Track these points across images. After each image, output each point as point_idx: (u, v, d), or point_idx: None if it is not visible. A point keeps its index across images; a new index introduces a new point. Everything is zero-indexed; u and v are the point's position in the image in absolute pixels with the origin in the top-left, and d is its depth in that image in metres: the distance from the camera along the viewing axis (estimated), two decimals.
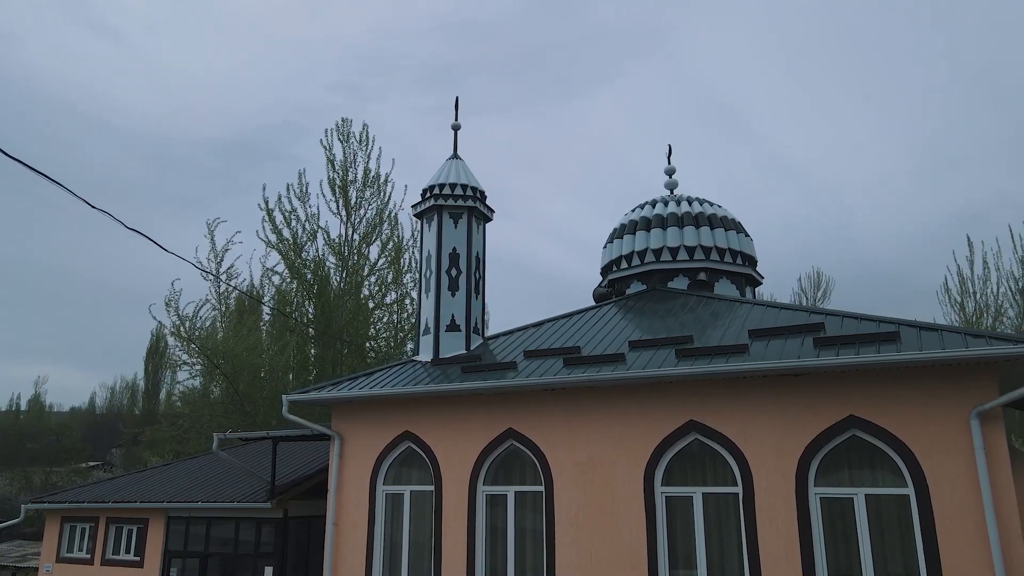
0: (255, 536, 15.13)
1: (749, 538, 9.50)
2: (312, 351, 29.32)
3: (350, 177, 31.56)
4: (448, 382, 11.66)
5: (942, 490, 8.67)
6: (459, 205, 13.64)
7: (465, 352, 13.04)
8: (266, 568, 14.86)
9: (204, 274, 30.21)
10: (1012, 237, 29.59)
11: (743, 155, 70.15)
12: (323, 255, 30.53)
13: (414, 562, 11.73)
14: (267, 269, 31.99)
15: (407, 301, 30.51)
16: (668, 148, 16.43)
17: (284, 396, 12.89)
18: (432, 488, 11.84)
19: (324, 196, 31.00)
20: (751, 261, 14.93)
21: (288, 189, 31.24)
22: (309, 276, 29.99)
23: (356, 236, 31.28)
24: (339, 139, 31.97)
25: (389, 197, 31.64)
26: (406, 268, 30.16)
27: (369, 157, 32.10)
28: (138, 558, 16.37)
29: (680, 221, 14.75)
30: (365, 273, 30.97)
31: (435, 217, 13.74)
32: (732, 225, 14.95)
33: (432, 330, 13.21)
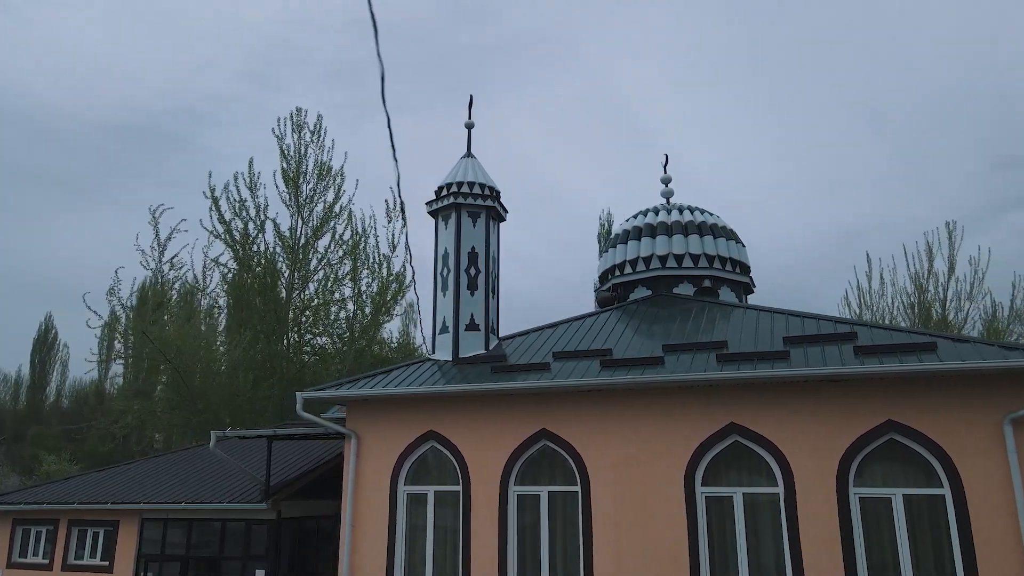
0: (244, 538, 14.53)
1: (791, 537, 9.91)
2: (259, 347, 28.29)
3: (303, 169, 30.73)
4: (478, 382, 11.59)
5: (977, 491, 9.32)
6: (477, 204, 13.57)
7: (485, 352, 12.98)
8: (257, 571, 14.29)
9: (145, 264, 28.75)
10: (906, 255, 32.10)
11: (647, 166, 72.22)
12: (274, 248, 29.59)
13: (439, 563, 11.58)
14: (211, 260, 30.76)
15: (364, 297, 29.93)
16: (665, 157, 16.88)
17: (298, 393, 12.48)
18: (459, 488, 11.72)
19: (278, 187, 30.08)
20: (746, 269, 15.52)
21: (236, 178, 30.16)
22: (259, 269, 28.99)
23: (307, 230, 30.48)
24: (293, 129, 31.08)
25: (342, 190, 30.99)
26: (364, 264, 29.57)
27: (322, 149, 31.37)
28: (106, 563, 15.40)
29: (684, 229, 15.17)
30: (313, 267, 30.17)
31: (452, 215, 13.61)
32: (731, 235, 15.50)
33: (451, 329, 13.07)
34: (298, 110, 31.24)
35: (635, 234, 15.56)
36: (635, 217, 16.16)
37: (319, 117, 31.50)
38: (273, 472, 14.91)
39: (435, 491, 11.91)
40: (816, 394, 10.21)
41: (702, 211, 15.74)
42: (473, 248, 13.46)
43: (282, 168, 30.32)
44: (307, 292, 30.07)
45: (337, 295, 30.30)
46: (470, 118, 14.59)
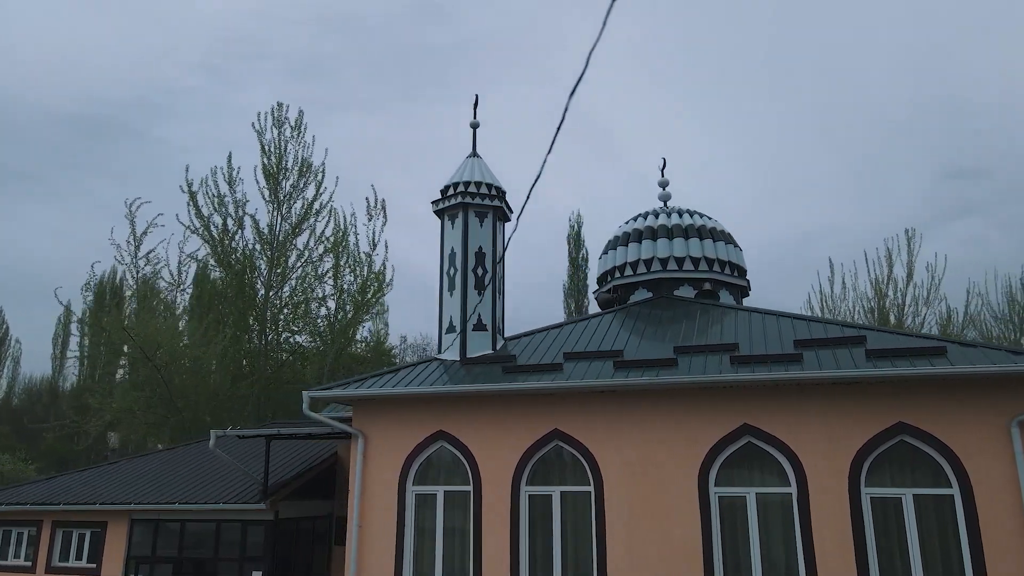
0: (240, 539, 14.29)
1: (804, 536, 10.10)
2: (239, 345, 27.82)
3: (283, 164, 30.32)
4: (491, 382, 11.58)
5: (985, 491, 9.61)
6: (485, 204, 13.56)
7: (493, 352, 12.97)
8: (254, 572, 14.08)
9: (118, 259, 28.08)
10: (867, 261, 33.10)
11: (610, 171, 72.85)
12: (252, 245, 29.14)
13: (448, 563, 11.54)
14: (187, 256, 30.20)
15: (345, 295, 29.63)
16: (663, 161, 17.05)
17: (305, 392, 12.32)
18: (469, 489, 11.69)
19: (258, 182, 29.65)
20: (743, 272, 15.77)
21: (214, 172, 29.63)
22: (238, 266, 28.52)
23: (287, 226, 30.08)
24: (273, 124, 30.66)
25: (323, 187, 30.64)
26: (346, 262, 29.28)
27: (303, 145, 30.98)
28: (93, 565, 15.03)
29: (685, 232, 15.36)
30: (292, 264, 29.76)
31: (459, 215, 13.58)
32: (729, 239, 15.73)
33: (459, 329, 13.04)
34: (279, 105, 30.89)
35: (635, 236, 15.70)
36: (634, 220, 16.30)
37: (300, 112, 31.14)
38: (270, 472, 14.70)
39: (445, 491, 11.87)
40: (828, 396, 10.43)
41: (700, 215, 15.96)
42: (480, 248, 13.44)
43: (263, 163, 29.91)
44: (285, 289, 29.71)
45: (317, 292, 30.01)
46: (475, 118, 14.57)
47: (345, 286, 29.22)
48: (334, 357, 28.27)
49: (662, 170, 17.06)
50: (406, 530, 11.76)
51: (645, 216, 16.08)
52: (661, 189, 16.92)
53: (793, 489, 10.35)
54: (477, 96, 14.55)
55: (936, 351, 10.10)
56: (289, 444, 16.76)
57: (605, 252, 16.52)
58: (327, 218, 30.32)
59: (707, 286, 14.96)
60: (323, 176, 30.48)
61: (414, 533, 11.80)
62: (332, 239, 29.77)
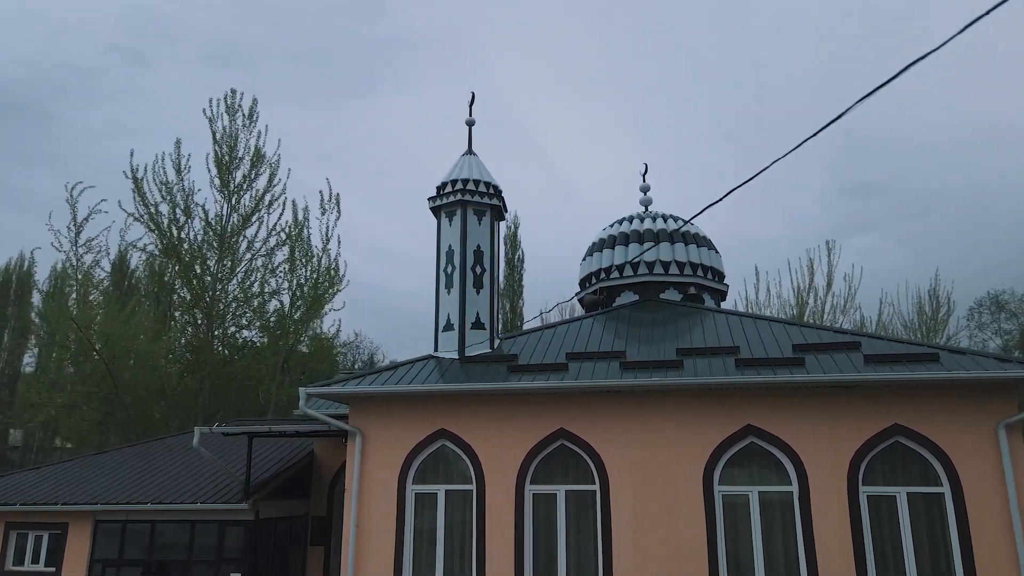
0: (218, 540, 13.79)
1: (805, 533, 10.50)
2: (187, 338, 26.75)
3: (236, 154, 29.36)
4: (496, 381, 11.57)
5: (974, 490, 10.22)
6: (483, 202, 13.52)
7: (491, 351, 12.95)
8: (232, 575, 13.60)
9: (58, 246, 26.61)
10: (789, 270, 34.78)
11: (535, 175, 73.73)
12: (202, 235, 28.10)
13: (449, 563, 11.46)
14: (130, 245, 28.92)
15: (297, 291, 28.88)
16: (644, 166, 17.38)
17: (302, 389, 11.99)
18: (471, 488, 11.64)
19: (210, 171, 28.61)
20: (722, 277, 16.23)
21: (161, 158, 28.44)
22: (187, 257, 27.45)
23: (237, 217, 29.14)
24: (226, 111, 29.65)
25: (276, 178, 29.83)
26: (304, 257, 28.56)
27: (256, 135, 30.05)
28: (52, 568, 14.23)
29: (670, 237, 15.70)
30: (242, 256, 28.87)
31: (457, 212, 13.49)
32: (710, 244, 16.17)
33: (457, 327, 12.95)
34: (232, 92, 29.89)
35: (622, 240, 15.95)
36: (618, 223, 16.55)
37: (254, 101, 30.22)
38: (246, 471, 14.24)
39: (446, 490, 11.77)
40: (828, 399, 10.87)
41: (682, 220, 16.34)
42: (479, 246, 13.40)
43: (214, 152, 28.89)
44: (234, 282, 28.76)
45: (267, 287, 29.18)
46: (471, 115, 14.51)
47: (300, 280, 28.51)
48: (287, 353, 27.55)
49: (643, 175, 17.40)
50: (406, 530, 11.61)
51: (631, 220, 16.35)
52: (642, 194, 17.24)
53: (794, 488, 10.74)
54: (473, 94, 14.51)
55: (929, 357, 10.66)
56: (264, 442, 16.25)
57: (588, 255, 16.71)
58: (280, 210, 29.59)
59: (692, 290, 15.34)
60: (277, 167, 29.70)
61: (414, 533, 11.65)
62: (286, 232, 29.05)
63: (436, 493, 11.80)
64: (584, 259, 16.94)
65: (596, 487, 11.30)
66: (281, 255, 29.19)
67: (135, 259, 29.08)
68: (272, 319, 28.23)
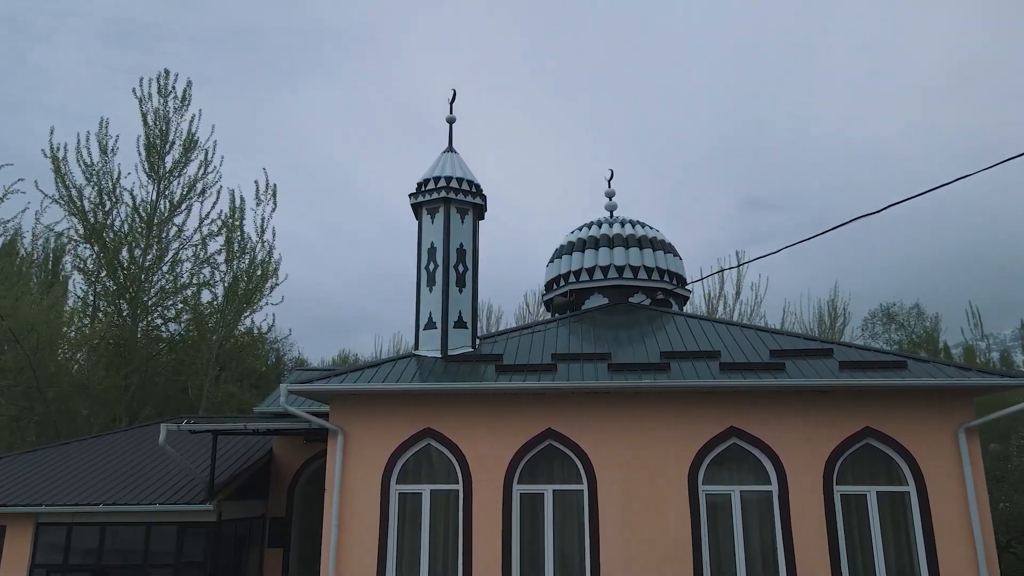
0: (176, 543, 13.13)
1: (784, 530, 11.00)
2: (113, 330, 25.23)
3: (168, 138, 28.00)
4: (485, 380, 11.56)
5: (936, 488, 10.98)
6: (466, 201, 13.46)
7: (473, 350, 12.90)
8: None
9: None
10: (701, 277, 36.55)
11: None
12: (130, 222, 26.64)
13: (434, 565, 11.35)
14: (45, 228, 27.10)
15: (227, 283, 27.75)
16: (610, 172, 17.71)
17: (283, 385, 11.62)
18: (458, 487, 11.58)
19: (140, 154, 27.15)
20: (684, 282, 16.75)
21: (85, 138, 26.81)
22: (112, 244, 25.94)
23: (166, 204, 27.80)
24: (158, 93, 28.23)
25: (211, 165, 28.64)
26: (239, 248, 27.47)
27: (189, 118, 28.75)
28: None
29: (639, 243, 16.07)
30: (171, 244, 27.56)
31: (440, 210, 13.38)
32: (674, 250, 16.64)
33: (440, 326, 12.84)
34: (166, 72, 28.56)
35: (591, 244, 16.20)
36: (585, 228, 16.80)
37: (188, 83, 28.91)
38: (205, 472, 13.67)
39: (431, 490, 11.66)
40: (805, 402, 11.43)
41: (647, 225, 16.76)
42: (461, 245, 13.33)
43: (146, 136, 27.45)
44: (158, 274, 27.39)
45: (198, 278, 27.94)
46: (451, 113, 14.41)
47: (235, 273, 27.42)
48: (219, 348, 26.43)
49: (608, 181, 17.73)
50: (389, 531, 11.43)
51: (600, 224, 16.63)
52: (608, 199, 17.56)
53: (774, 487, 11.23)
54: (454, 91, 14.42)
55: (898, 364, 11.38)
56: (222, 440, 15.57)
57: (555, 258, 16.88)
58: (215, 199, 28.39)
59: (660, 295, 15.75)
60: (213, 154, 28.52)
61: (397, 534, 11.48)
62: (221, 221, 27.89)
63: (421, 493, 11.66)
64: (550, 262, 17.10)
65: (584, 487, 11.45)
66: (214, 245, 28.11)
67: (52, 243, 27.21)
68: (205, 312, 27.05)
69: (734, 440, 11.43)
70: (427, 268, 13.25)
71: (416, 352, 12.91)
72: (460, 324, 12.99)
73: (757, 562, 11.04)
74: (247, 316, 27.20)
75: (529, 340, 13.42)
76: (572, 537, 11.35)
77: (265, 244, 28.87)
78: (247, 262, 28.32)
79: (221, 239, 27.91)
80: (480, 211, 13.78)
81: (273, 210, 29.72)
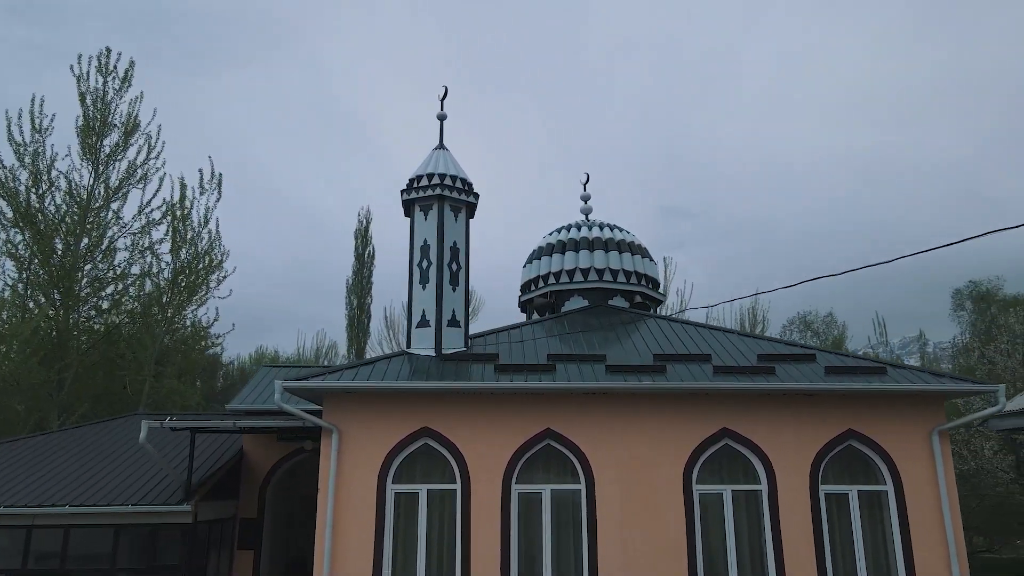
0: (148, 545, 12.55)
1: (773, 528, 11.43)
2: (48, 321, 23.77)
3: (108, 120, 26.63)
4: (488, 379, 11.55)
5: (912, 488, 11.63)
6: (460, 199, 13.39)
7: (466, 349, 12.84)
8: None
9: None
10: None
11: (365, 166, 73.33)
12: (65, 208, 25.21)
13: (431, 565, 11.25)
14: None
15: (168, 274, 26.59)
16: (586, 176, 17.96)
17: (278, 382, 11.26)
18: (455, 487, 11.51)
19: (79, 136, 25.69)
20: (658, 286, 17.13)
21: (17, 116, 25.22)
22: (45, 230, 24.48)
23: (102, 189, 26.45)
24: (98, 72, 26.82)
25: (155, 151, 27.42)
26: (182, 239, 26.32)
27: (127, 100, 27.45)
28: None
29: (618, 247, 16.35)
30: (108, 231, 26.26)
31: (434, 207, 13.27)
32: (649, 255, 17.01)
33: (434, 324, 12.73)
34: (107, 51, 27.09)
35: (572, 246, 16.38)
36: (565, 230, 16.97)
37: (131, 63, 27.57)
38: (178, 470, 13.12)
39: (428, 490, 11.55)
40: (794, 405, 11.91)
41: (624, 229, 17.07)
42: (455, 243, 13.25)
43: (85, 117, 26.01)
44: (91, 264, 26.01)
45: (138, 268, 26.69)
46: (442, 110, 14.30)
47: (179, 264, 26.29)
48: (160, 342, 25.28)
49: (584, 184, 17.97)
50: (385, 531, 11.26)
51: (579, 227, 16.82)
52: (583, 203, 17.79)
53: (764, 487, 11.65)
54: (446, 88, 14.31)
55: (878, 370, 12.01)
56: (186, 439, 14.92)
57: (531, 260, 16.98)
58: (158, 185, 27.20)
59: (638, 298, 16.07)
60: (157, 140, 27.29)
61: (393, 534, 11.32)
62: (165, 209, 26.72)
63: (418, 492, 11.53)
64: (527, 264, 17.18)
65: (582, 486, 11.58)
66: (156, 234, 26.91)
67: None
68: (146, 303, 25.82)
69: (726, 441, 11.80)
70: (420, 265, 13.11)
71: (409, 350, 12.76)
72: (453, 323, 12.91)
73: (747, 558, 11.43)
74: (196, 309, 26.13)
75: (520, 339, 13.46)
76: (570, 536, 11.46)
77: (209, 234, 27.91)
78: (191, 252, 27.26)
79: (163, 228, 26.81)
80: (472, 209, 13.73)
81: (218, 200, 28.79)
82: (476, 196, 13.67)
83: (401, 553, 11.29)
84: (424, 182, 13.33)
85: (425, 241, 13.19)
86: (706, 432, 11.78)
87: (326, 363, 50.47)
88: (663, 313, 35.17)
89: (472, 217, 13.95)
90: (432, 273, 12.98)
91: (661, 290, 16.85)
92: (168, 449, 14.23)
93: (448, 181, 13.32)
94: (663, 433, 11.75)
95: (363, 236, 42.75)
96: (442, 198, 13.24)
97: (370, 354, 41.53)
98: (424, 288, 12.99)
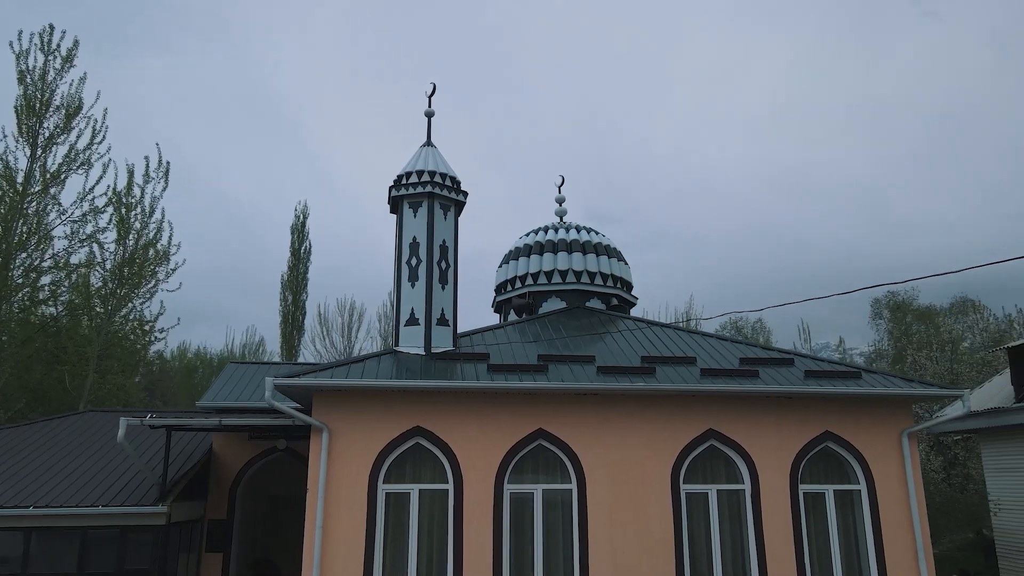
0: (118, 548, 12.00)
1: (756, 526, 11.80)
2: None
3: (48, 100, 25.29)
4: (483, 379, 11.52)
5: (884, 487, 12.21)
6: (449, 197, 13.32)
7: (454, 348, 12.78)
8: None
9: None
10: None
11: (295, 164, 72.02)
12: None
13: (423, 566, 11.16)
14: None
15: (109, 264, 25.43)
16: (561, 178, 18.10)
17: (268, 379, 10.96)
18: (447, 487, 11.44)
19: (18, 116, 24.30)
20: (631, 288, 17.42)
21: None
22: None
23: (39, 172, 25.12)
24: (40, 50, 25.44)
25: (99, 135, 26.19)
26: (135, 228, 25.21)
27: (68, 81, 26.14)
28: None
29: (595, 249, 16.55)
30: (45, 217, 24.95)
31: (424, 204, 13.16)
32: (623, 257, 17.27)
33: (423, 323, 12.62)
34: (50, 28, 25.72)
35: (549, 247, 16.48)
36: (543, 231, 17.06)
37: (75, 43, 26.26)
38: (148, 470, 12.62)
39: (420, 490, 11.44)
40: (775, 407, 12.32)
41: (599, 232, 17.28)
42: (444, 242, 13.16)
43: (25, 96, 24.61)
44: (24, 253, 24.65)
45: (76, 258, 25.44)
46: (430, 106, 14.19)
47: (125, 254, 25.16)
48: (102, 336, 24.14)
49: (559, 187, 18.11)
50: (376, 532, 11.09)
51: (555, 229, 16.93)
52: (558, 205, 17.93)
53: (747, 486, 12.01)
54: (434, 85, 14.21)
55: (853, 375, 12.56)
56: (158, 437, 14.33)
57: (507, 261, 17.01)
58: (101, 172, 25.94)
59: (614, 301, 16.31)
60: (101, 123, 26.06)
61: (384, 535, 11.17)
62: (107, 197, 25.53)
63: (409, 492, 11.41)
64: (501, 265, 17.20)
65: (573, 486, 11.69)
66: (98, 223, 25.66)
67: None
68: (88, 295, 24.62)
69: (712, 442, 12.11)
70: (409, 263, 12.97)
71: (398, 349, 12.60)
72: (443, 322, 12.83)
73: (730, 555, 11.77)
74: (144, 303, 25.07)
75: (507, 339, 13.47)
76: (561, 535, 11.54)
77: (155, 224, 26.87)
78: (132, 242, 26.18)
79: (107, 216, 25.63)
80: (460, 208, 13.67)
81: (164, 189, 27.73)
82: (465, 195, 13.61)
83: (392, 554, 11.15)
84: (414, 179, 13.19)
85: (414, 238, 13.06)
86: (693, 433, 12.06)
87: (253, 359, 49.22)
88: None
89: (459, 216, 13.89)
90: (422, 271, 12.86)
91: (633, 293, 17.13)
92: (132, 447, 13.61)
93: (438, 179, 13.23)
94: (652, 434, 11.97)
95: (299, 231, 42.09)
96: (432, 196, 13.14)
97: (304, 352, 40.74)
98: (413, 286, 12.86)
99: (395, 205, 13.49)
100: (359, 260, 62.04)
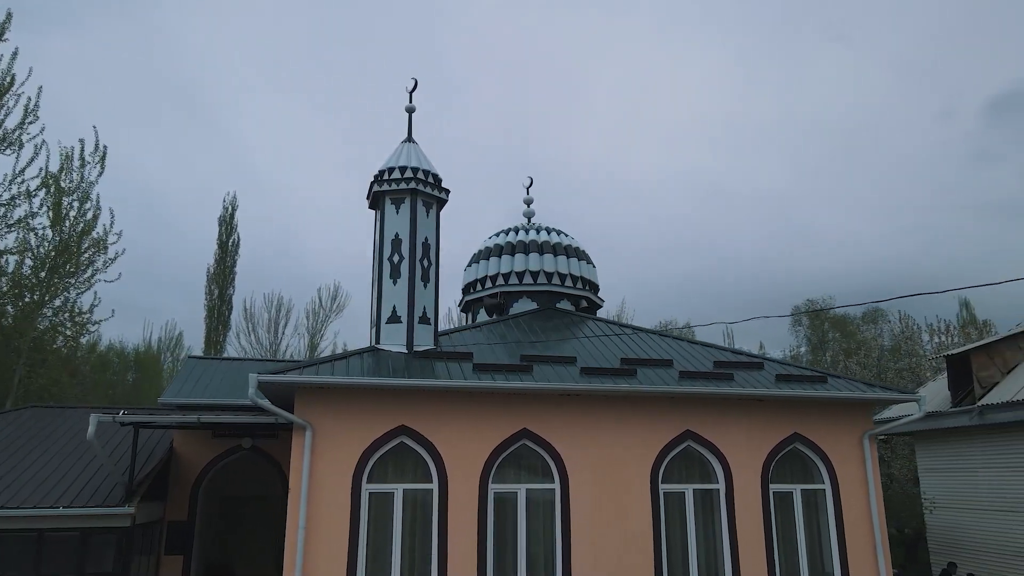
0: (77, 552, 11.40)
1: (730, 524, 12.18)
2: None
3: None
4: (470, 378, 11.50)
5: (846, 486, 12.80)
6: (431, 194, 13.22)
7: (435, 347, 12.68)
8: None
9: None
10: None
11: (209, 151, 69.66)
12: None
13: (407, 565, 11.04)
14: None
15: (41, 251, 24.03)
16: (529, 180, 18.20)
17: (253, 375, 10.62)
18: (432, 487, 11.36)
19: None
20: (597, 290, 17.66)
21: None
22: None
23: None
24: None
25: (31, 114, 24.75)
26: (70, 215, 23.86)
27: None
28: None
29: (566, 251, 16.70)
30: None
31: (406, 201, 13.02)
32: (590, 260, 17.50)
33: (405, 321, 12.47)
34: None
35: (520, 248, 16.54)
36: (509, 232, 17.11)
37: (9, 15, 24.70)
38: (114, 468, 12.05)
39: (404, 489, 11.31)
40: (748, 409, 12.75)
41: (567, 234, 17.45)
42: (427, 239, 13.05)
43: None
44: None
45: (2, 244, 23.95)
46: (411, 102, 14.04)
47: (60, 242, 23.81)
48: (31, 329, 22.78)
49: (528, 188, 18.20)
50: (360, 532, 10.91)
51: (526, 231, 17.00)
52: (526, 206, 18.02)
53: (721, 486, 12.38)
54: (416, 80, 14.07)
55: (819, 379, 13.11)
56: (117, 435, 13.65)
57: (475, 262, 16.99)
58: (33, 153, 24.46)
59: (583, 303, 16.50)
60: (35, 104, 24.61)
61: (367, 535, 11.00)
62: (40, 180, 24.12)
63: (393, 492, 11.26)
64: (469, 265, 17.17)
65: (556, 485, 11.78)
66: (26, 208, 24.21)
67: None
68: (17, 283, 23.18)
69: (689, 442, 12.43)
70: (391, 260, 12.80)
71: (378, 346, 12.41)
72: (424, 320, 12.71)
73: (705, 552, 12.11)
74: (81, 294, 23.79)
75: (486, 339, 13.46)
76: (544, 534, 11.62)
77: (90, 210, 25.58)
78: (65, 229, 24.85)
79: (37, 201, 24.22)
80: (442, 205, 13.58)
81: (100, 174, 26.44)
82: (447, 192, 13.53)
83: (375, 554, 10.98)
84: (396, 175, 13.03)
85: (396, 235, 12.89)
86: (671, 434, 12.35)
87: (169, 355, 47.52)
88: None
89: (440, 213, 13.79)
90: (404, 268, 12.72)
91: (600, 295, 17.38)
92: (86, 445, 12.94)
93: (421, 175, 13.11)
94: (633, 435, 12.19)
95: (228, 223, 41.07)
96: (415, 192, 13.01)
97: (230, 347, 39.61)
98: (395, 283, 12.70)
99: (375, 201, 13.29)
100: (285, 256, 60.54)
